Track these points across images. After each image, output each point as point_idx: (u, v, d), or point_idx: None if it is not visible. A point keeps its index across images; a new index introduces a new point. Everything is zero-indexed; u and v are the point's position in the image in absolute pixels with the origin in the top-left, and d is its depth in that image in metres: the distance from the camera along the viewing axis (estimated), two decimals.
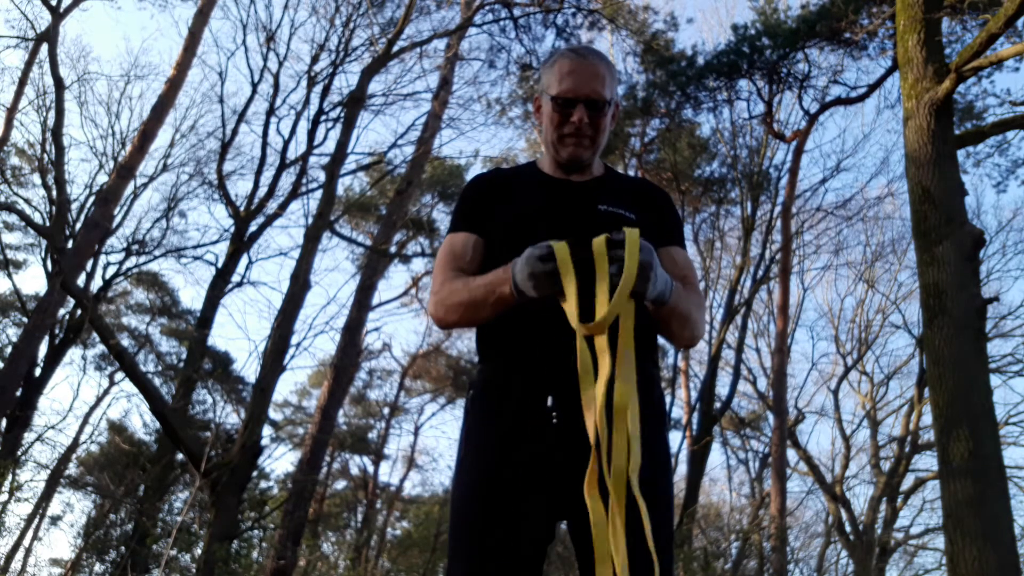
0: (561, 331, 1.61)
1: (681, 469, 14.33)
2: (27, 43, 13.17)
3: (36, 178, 15.34)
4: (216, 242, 15.51)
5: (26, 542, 15.43)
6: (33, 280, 43.25)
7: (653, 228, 1.85)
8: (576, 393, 1.58)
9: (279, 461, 44.69)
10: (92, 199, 14.63)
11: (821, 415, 20.84)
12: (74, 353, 16.31)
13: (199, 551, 9.03)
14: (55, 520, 17.18)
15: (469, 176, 20.17)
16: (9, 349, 13.70)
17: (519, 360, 1.72)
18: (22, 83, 13.48)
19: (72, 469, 17.45)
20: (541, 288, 1.55)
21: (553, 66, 1.87)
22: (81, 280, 13.52)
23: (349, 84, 18.30)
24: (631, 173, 16.07)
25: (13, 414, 12.69)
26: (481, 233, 1.86)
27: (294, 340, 9.96)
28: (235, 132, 13.38)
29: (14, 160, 16.20)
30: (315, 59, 12.93)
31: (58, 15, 11.68)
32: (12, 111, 13.40)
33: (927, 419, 17.04)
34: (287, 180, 12.78)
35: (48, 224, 13.18)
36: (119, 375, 17.24)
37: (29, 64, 13.42)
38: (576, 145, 1.85)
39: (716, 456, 29.37)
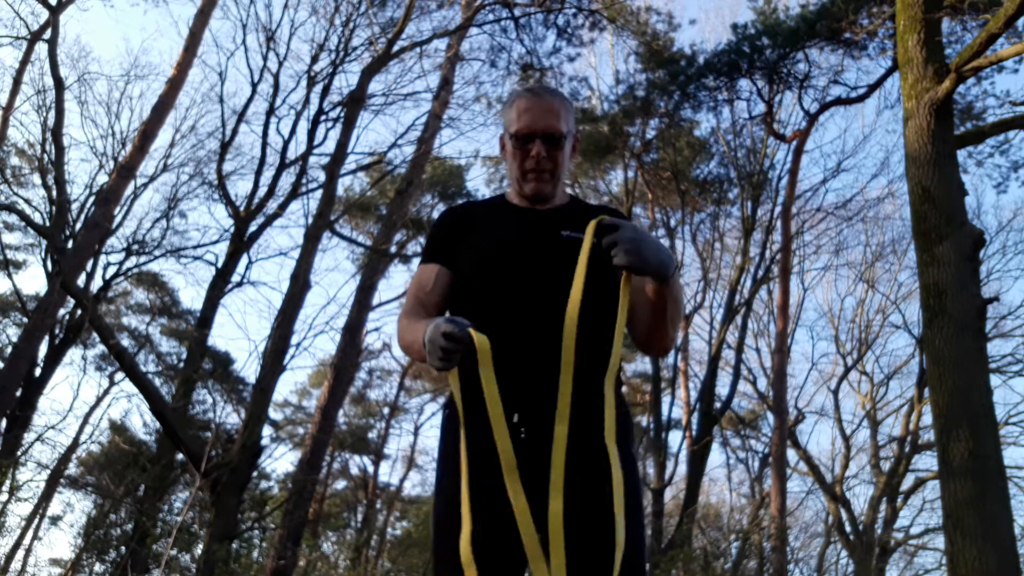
0: (525, 350, 1.76)
1: (681, 469, 14.34)
2: (22, 41, 13.17)
3: (36, 178, 15.36)
4: (216, 242, 15.51)
5: (26, 542, 15.44)
6: (33, 280, 43.27)
7: None
8: (541, 409, 1.71)
9: (279, 461, 44.74)
10: (92, 199, 14.63)
11: (821, 415, 20.87)
12: (74, 353, 16.32)
13: (199, 551, 9.03)
14: (55, 520, 17.16)
15: (469, 176, 20.24)
16: (9, 349, 13.71)
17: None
18: (17, 81, 13.48)
19: (72, 469, 17.47)
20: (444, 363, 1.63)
21: (511, 106, 1.98)
22: (81, 280, 13.52)
23: (349, 84, 18.31)
24: (630, 174, 16.07)
25: (13, 414, 12.68)
26: (447, 263, 1.97)
27: (294, 340, 9.94)
28: (235, 132, 13.34)
29: (14, 160, 16.22)
30: (315, 59, 12.90)
31: (54, 11, 11.67)
32: (8, 109, 13.39)
33: (927, 419, 17.06)
34: (287, 180, 12.75)
35: (48, 224, 13.17)
36: (119, 375, 17.24)
37: (24, 62, 13.41)
38: (537, 180, 1.96)
39: (716, 456, 29.37)
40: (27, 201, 14.91)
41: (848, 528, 17.17)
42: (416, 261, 19.64)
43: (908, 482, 17.80)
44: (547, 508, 1.64)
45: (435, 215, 17.72)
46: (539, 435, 1.71)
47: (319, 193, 11.04)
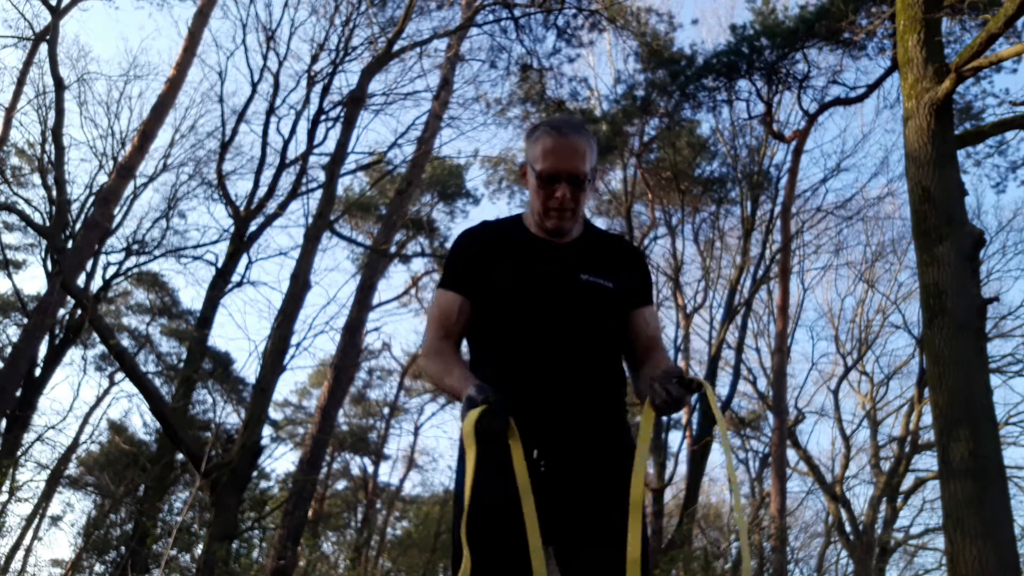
0: (546, 389, 1.89)
1: (681, 469, 14.35)
2: (26, 42, 13.19)
3: (36, 178, 15.35)
4: (216, 242, 15.50)
5: (26, 542, 15.45)
6: (33, 280, 43.31)
7: (628, 290, 2.06)
8: (559, 445, 1.87)
9: (279, 461, 44.78)
10: (92, 199, 14.62)
11: (821, 415, 20.85)
12: (74, 353, 16.31)
13: (199, 551, 9.03)
14: (55, 520, 17.17)
15: (468, 176, 20.23)
16: (9, 349, 13.71)
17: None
18: (20, 83, 13.50)
19: (72, 469, 17.46)
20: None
21: (536, 142, 2.02)
22: (81, 280, 13.51)
23: (349, 84, 18.31)
24: (630, 173, 16.07)
25: (13, 414, 12.67)
26: (468, 294, 2.04)
27: (294, 340, 9.93)
28: (235, 132, 13.34)
29: (14, 160, 16.21)
30: (315, 58, 12.89)
31: (57, 13, 11.67)
32: (11, 111, 13.41)
33: (927, 419, 17.06)
34: (287, 180, 12.75)
35: (48, 224, 13.17)
36: (119, 375, 17.24)
37: (28, 63, 13.42)
38: (559, 218, 2.02)
39: (716, 456, 29.32)
40: (27, 201, 14.91)
41: (848, 528, 17.17)
42: (418, 261, 19.57)
43: (908, 482, 17.81)
44: (565, 539, 1.83)
45: (435, 214, 17.58)
46: (558, 470, 1.85)
47: (319, 193, 11.04)
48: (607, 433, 1.92)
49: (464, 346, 2.13)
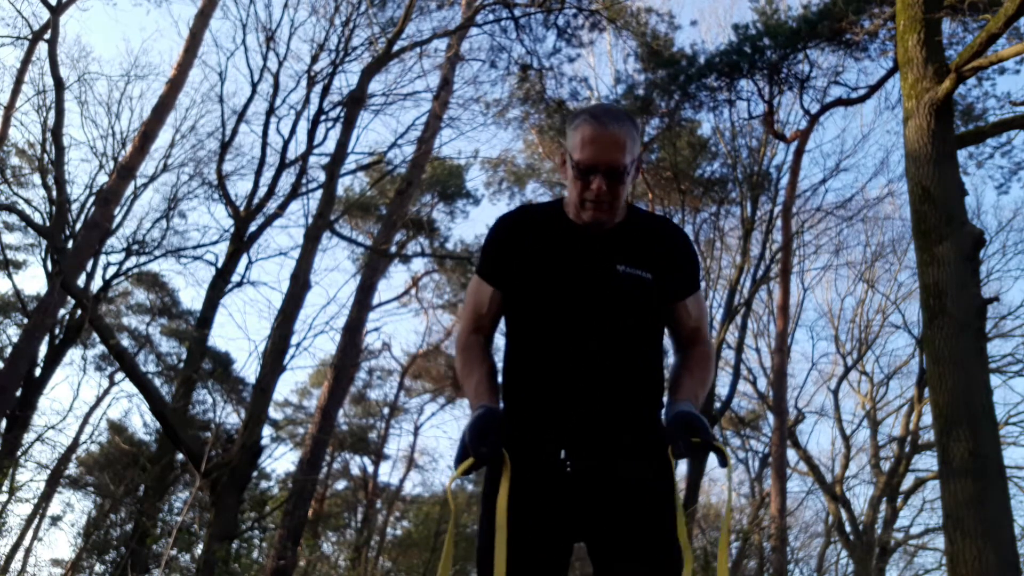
0: (577, 385, 1.87)
1: (681, 469, 14.33)
2: (23, 41, 13.19)
3: (36, 178, 15.36)
4: (216, 242, 15.50)
5: (26, 542, 15.44)
6: (33, 280, 43.31)
7: (668, 281, 1.99)
8: (585, 445, 1.86)
9: (279, 461, 44.77)
10: (92, 199, 14.63)
11: (821, 415, 20.84)
12: (74, 353, 16.31)
13: (199, 551, 9.04)
14: (55, 520, 17.16)
15: (468, 176, 20.22)
16: (9, 349, 13.71)
17: (536, 416, 1.91)
18: (19, 81, 13.49)
19: (72, 469, 17.47)
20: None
21: (576, 130, 1.95)
22: (81, 280, 13.51)
23: (349, 84, 18.30)
24: None
25: (13, 414, 12.68)
26: (500, 285, 2.02)
27: (294, 340, 9.93)
28: (235, 132, 13.35)
29: (14, 160, 16.21)
30: (315, 59, 12.89)
31: (56, 11, 11.67)
32: (10, 109, 13.41)
33: (927, 419, 17.06)
34: (287, 180, 12.75)
35: (48, 224, 13.18)
36: (119, 375, 17.24)
37: (26, 62, 13.42)
38: (595, 210, 1.94)
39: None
40: (27, 201, 14.92)
41: (848, 528, 17.17)
42: (418, 261, 19.54)
43: (908, 482, 17.82)
44: (596, 538, 1.85)
45: (435, 214, 17.55)
46: (585, 469, 1.85)
47: (319, 193, 11.05)
48: (638, 431, 1.89)
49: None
